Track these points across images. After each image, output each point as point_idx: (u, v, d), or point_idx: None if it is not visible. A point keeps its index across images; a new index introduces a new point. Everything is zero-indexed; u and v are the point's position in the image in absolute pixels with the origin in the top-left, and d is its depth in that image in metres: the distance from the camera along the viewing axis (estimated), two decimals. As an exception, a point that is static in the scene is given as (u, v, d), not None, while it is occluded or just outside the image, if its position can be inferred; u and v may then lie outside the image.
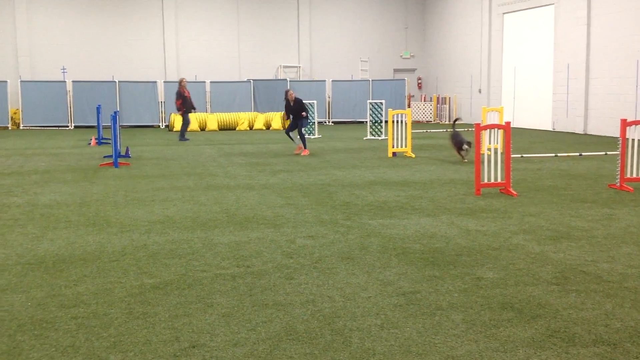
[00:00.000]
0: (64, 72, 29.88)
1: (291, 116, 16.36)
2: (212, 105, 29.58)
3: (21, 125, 28.26)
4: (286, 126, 17.06)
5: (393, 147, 15.83)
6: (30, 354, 4.01)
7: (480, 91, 29.64)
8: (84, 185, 11.19)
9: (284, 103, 16.82)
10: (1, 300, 5.04)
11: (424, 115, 32.43)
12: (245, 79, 30.87)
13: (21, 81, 28.46)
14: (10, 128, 28.16)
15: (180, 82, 21.72)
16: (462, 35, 31.13)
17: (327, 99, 31.16)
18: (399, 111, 16.57)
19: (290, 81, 30.59)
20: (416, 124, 29.59)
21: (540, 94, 25.63)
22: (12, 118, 28.48)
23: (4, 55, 29.83)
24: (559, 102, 24.39)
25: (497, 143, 13.75)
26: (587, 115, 22.93)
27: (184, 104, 21.32)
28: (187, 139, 21.24)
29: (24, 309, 4.84)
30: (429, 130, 24.47)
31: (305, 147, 16.43)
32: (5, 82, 28.06)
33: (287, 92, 16.41)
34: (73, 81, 28.70)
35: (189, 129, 22.38)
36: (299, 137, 16.41)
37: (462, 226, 7.61)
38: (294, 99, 16.20)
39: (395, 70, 34.67)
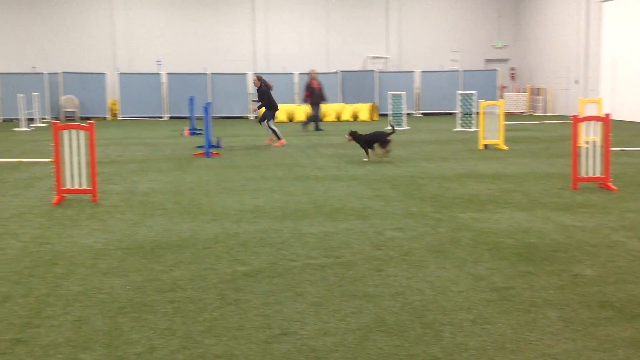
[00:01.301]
0: (159, 65, 30.91)
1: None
2: (299, 97, 29.86)
3: (119, 116, 29.48)
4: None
5: (484, 139, 15.49)
6: (130, 335, 4.18)
7: (577, 82, 28.53)
8: (178, 174, 11.55)
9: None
10: (103, 283, 5.28)
11: (517, 106, 31.53)
12: (334, 70, 30.96)
13: (119, 73, 29.67)
14: (109, 118, 29.42)
15: (310, 73, 21.94)
16: (558, 24, 30.02)
17: (416, 90, 30.82)
18: (491, 102, 16.18)
19: (378, 72, 30.45)
20: (509, 115, 28.80)
21: (642, 85, 24.41)
22: (110, 109, 29.76)
23: (103, 48, 31.18)
24: (663, 93, 23.16)
25: (595, 136, 13.19)
26: (694, 107, 21.68)
27: (312, 96, 21.62)
28: (322, 129, 21.67)
29: (124, 292, 5.04)
30: (522, 122, 23.78)
31: (279, 138, 16.73)
32: (104, 74, 29.34)
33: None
34: (168, 73, 29.66)
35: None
36: (268, 127, 16.59)
37: (558, 221, 7.36)
38: (258, 86, 16.59)
39: (487, 61, 33.86)
